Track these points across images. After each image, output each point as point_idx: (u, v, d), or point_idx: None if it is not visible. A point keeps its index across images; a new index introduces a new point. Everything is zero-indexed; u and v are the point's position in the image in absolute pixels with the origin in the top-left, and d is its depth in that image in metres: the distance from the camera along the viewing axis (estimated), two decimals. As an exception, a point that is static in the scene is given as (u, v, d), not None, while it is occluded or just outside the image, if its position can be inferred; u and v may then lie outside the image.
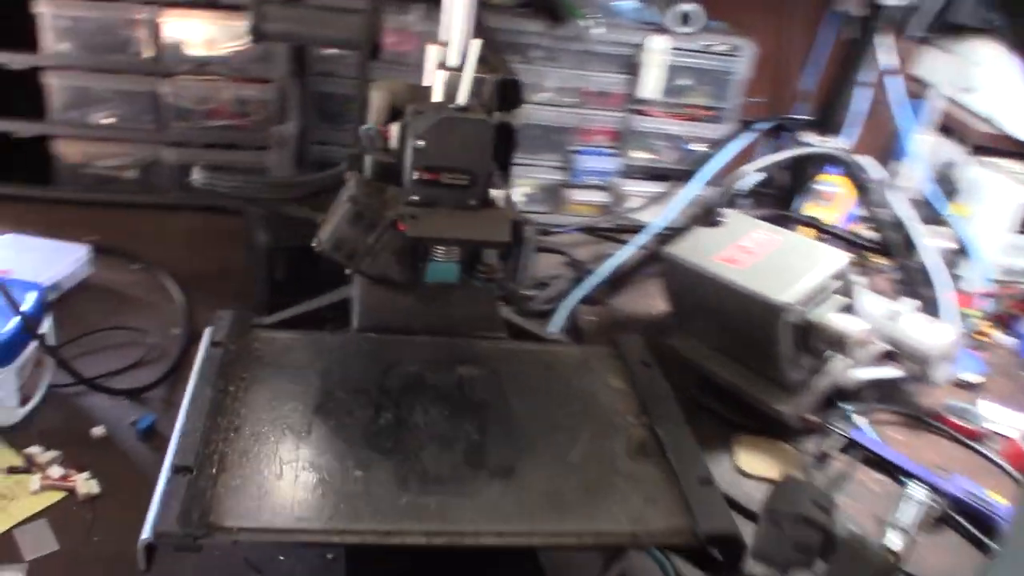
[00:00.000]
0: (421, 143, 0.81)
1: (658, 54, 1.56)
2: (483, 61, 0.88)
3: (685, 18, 1.56)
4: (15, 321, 0.99)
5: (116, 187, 1.55)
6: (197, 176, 0.98)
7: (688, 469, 0.78)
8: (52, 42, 1.44)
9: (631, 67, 1.59)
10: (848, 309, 1.21)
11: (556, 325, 1.32)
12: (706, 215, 1.31)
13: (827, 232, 1.55)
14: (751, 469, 1.14)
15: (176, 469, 0.70)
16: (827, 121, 1.40)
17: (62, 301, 1.27)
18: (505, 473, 0.76)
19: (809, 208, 1.57)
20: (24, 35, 1.44)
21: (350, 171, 0.90)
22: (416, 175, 0.83)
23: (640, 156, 1.68)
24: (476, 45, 0.81)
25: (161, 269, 1.36)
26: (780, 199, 1.52)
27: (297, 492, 0.71)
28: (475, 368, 0.89)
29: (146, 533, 0.65)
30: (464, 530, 0.70)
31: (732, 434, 1.20)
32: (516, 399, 0.86)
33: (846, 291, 1.22)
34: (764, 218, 1.49)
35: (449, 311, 0.97)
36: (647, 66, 1.57)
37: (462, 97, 0.82)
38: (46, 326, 1.07)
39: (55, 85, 1.47)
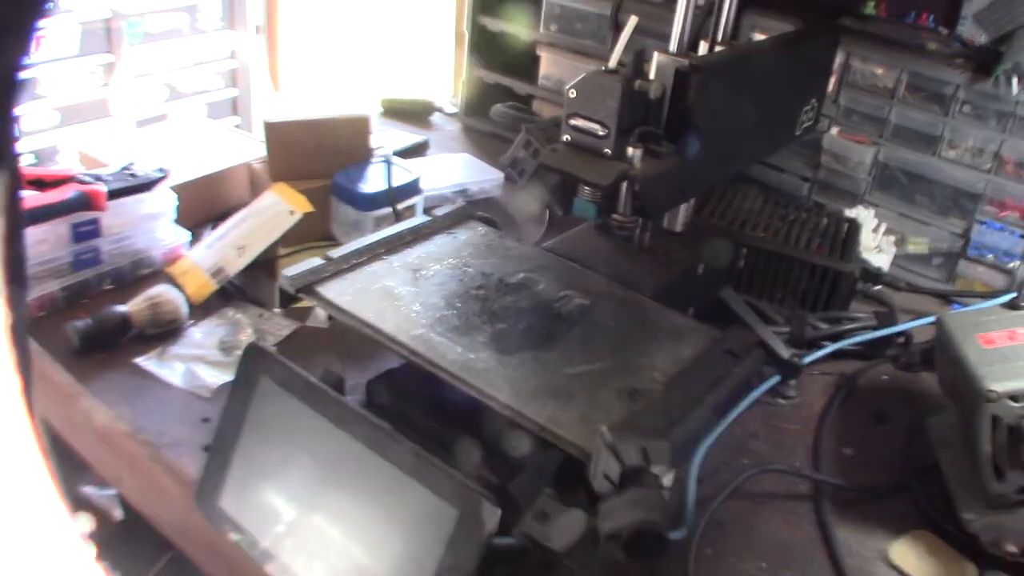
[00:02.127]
0: (572, 93, 0.98)
1: (1098, 132, 1.34)
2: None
3: None
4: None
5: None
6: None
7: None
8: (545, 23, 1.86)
9: (1065, 142, 1.39)
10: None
11: (806, 358, 1.28)
12: (1015, 299, 1.14)
13: None
14: (901, 563, 1.02)
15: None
16: None
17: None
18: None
19: None
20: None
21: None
22: (568, 121, 1.00)
23: (1054, 245, 1.45)
24: (632, 20, 0.94)
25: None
26: None
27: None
28: (581, 297, 1.02)
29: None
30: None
31: (913, 525, 1.07)
32: (587, 328, 0.98)
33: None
34: None
35: (624, 264, 1.11)
36: (1081, 143, 1.36)
37: (612, 61, 0.96)
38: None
39: (544, 57, 1.89)
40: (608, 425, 0.73)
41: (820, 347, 1.31)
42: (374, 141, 1.54)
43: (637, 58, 0.95)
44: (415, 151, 1.80)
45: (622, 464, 0.68)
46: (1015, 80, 1.37)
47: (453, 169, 1.69)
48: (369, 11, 3.34)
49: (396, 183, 1.44)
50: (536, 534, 0.68)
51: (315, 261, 1.02)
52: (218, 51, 2.95)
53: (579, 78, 0.98)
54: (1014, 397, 0.97)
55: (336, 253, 1.04)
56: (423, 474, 0.78)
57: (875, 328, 1.35)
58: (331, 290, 0.99)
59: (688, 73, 0.98)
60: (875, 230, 1.56)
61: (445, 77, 2.10)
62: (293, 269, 1.00)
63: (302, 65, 3.25)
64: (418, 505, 0.79)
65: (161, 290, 1.24)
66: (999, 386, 0.97)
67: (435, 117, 2.10)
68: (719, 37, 1.12)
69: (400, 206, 1.44)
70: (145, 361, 1.18)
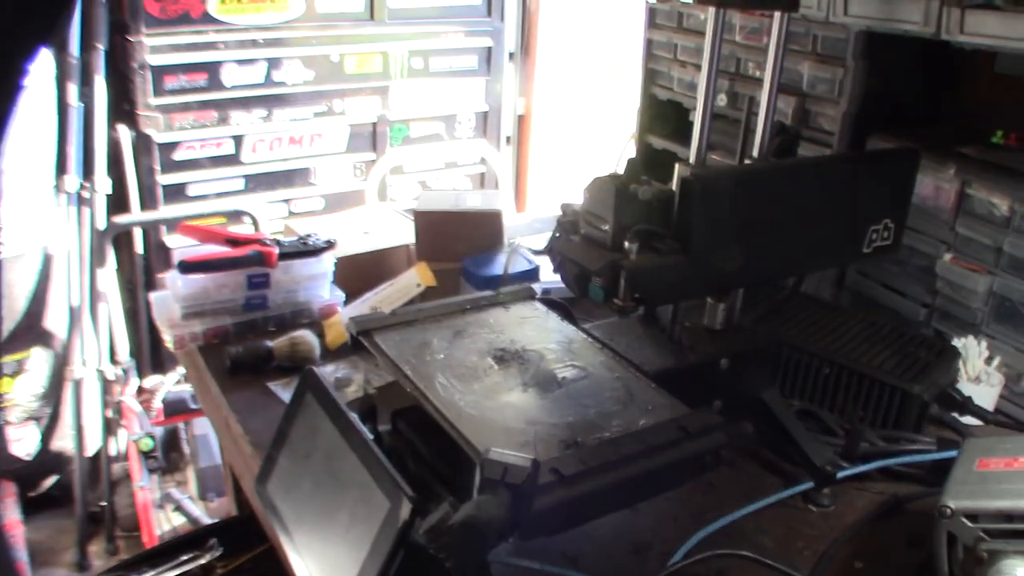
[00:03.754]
0: (586, 194, 1.17)
1: None
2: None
3: None
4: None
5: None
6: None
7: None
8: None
9: None
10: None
11: (844, 470, 1.29)
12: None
13: None
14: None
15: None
16: None
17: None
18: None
19: None
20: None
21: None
22: (583, 217, 1.18)
23: None
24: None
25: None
26: None
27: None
28: (582, 366, 1.18)
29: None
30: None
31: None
32: (571, 391, 1.13)
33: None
34: None
35: (642, 348, 1.26)
36: None
37: (617, 167, 1.13)
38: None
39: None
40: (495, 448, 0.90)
41: (864, 459, 1.33)
42: (511, 233, 1.79)
43: (631, 165, 1.12)
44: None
45: (483, 476, 0.84)
46: None
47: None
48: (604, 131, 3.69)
49: (515, 270, 1.67)
50: (419, 525, 0.86)
51: (381, 313, 1.28)
52: (469, 156, 3.41)
53: (590, 182, 1.16)
54: (972, 516, 0.97)
55: (401, 310, 1.29)
56: (376, 471, 0.99)
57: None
58: (383, 336, 1.24)
59: (691, 180, 1.13)
60: (987, 362, 1.52)
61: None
62: (360, 316, 1.27)
63: (544, 172, 3.65)
64: (370, 498, 1.00)
65: (302, 333, 1.56)
66: (955, 503, 0.97)
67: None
68: (751, 152, 1.25)
69: (514, 290, 1.67)
70: (274, 385, 1.49)
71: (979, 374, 1.49)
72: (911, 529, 1.26)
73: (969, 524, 0.97)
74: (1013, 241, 1.50)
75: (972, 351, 1.51)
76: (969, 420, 1.44)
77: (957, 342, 1.53)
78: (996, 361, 1.52)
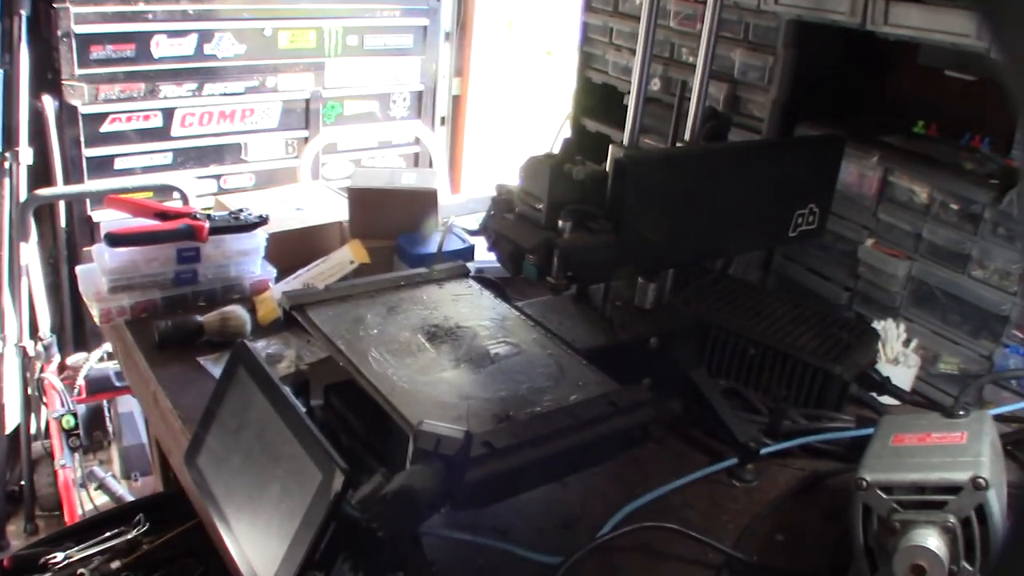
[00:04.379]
0: (522, 173, 1.18)
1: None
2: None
3: None
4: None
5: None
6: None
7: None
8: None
9: (1088, 271, 1.37)
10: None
11: (767, 447, 1.34)
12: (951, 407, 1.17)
13: None
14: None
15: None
16: None
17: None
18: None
19: None
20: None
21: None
22: (520, 196, 1.19)
23: (1074, 376, 1.41)
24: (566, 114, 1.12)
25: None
26: None
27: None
28: (514, 343, 1.19)
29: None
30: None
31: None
32: (505, 367, 1.14)
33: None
34: None
35: (575, 326, 1.27)
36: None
37: (552, 147, 1.14)
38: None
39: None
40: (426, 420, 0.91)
41: (786, 435, 1.37)
42: (446, 213, 1.79)
43: (566, 145, 1.13)
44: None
45: (416, 447, 0.85)
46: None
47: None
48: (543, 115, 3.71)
49: (450, 249, 1.68)
50: (351, 496, 0.87)
51: (314, 289, 1.27)
52: (404, 136, 3.39)
53: (525, 161, 1.17)
54: (886, 489, 1.01)
55: (334, 286, 1.29)
56: (308, 444, 0.99)
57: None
58: (316, 311, 1.23)
59: (624, 161, 1.15)
60: (905, 344, 1.58)
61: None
62: (294, 291, 1.26)
63: (479, 153, 3.65)
64: (302, 470, 0.99)
65: (233, 308, 1.54)
66: (871, 476, 1.01)
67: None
68: (683, 135, 1.27)
69: (448, 268, 1.67)
70: (204, 360, 1.47)
71: (897, 356, 1.55)
72: (830, 503, 1.30)
73: (883, 496, 1.01)
74: (931, 228, 1.56)
75: (891, 333, 1.57)
76: (887, 400, 1.49)
77: (877, 325, 1.59)
78: (913, 343, 1.58)
